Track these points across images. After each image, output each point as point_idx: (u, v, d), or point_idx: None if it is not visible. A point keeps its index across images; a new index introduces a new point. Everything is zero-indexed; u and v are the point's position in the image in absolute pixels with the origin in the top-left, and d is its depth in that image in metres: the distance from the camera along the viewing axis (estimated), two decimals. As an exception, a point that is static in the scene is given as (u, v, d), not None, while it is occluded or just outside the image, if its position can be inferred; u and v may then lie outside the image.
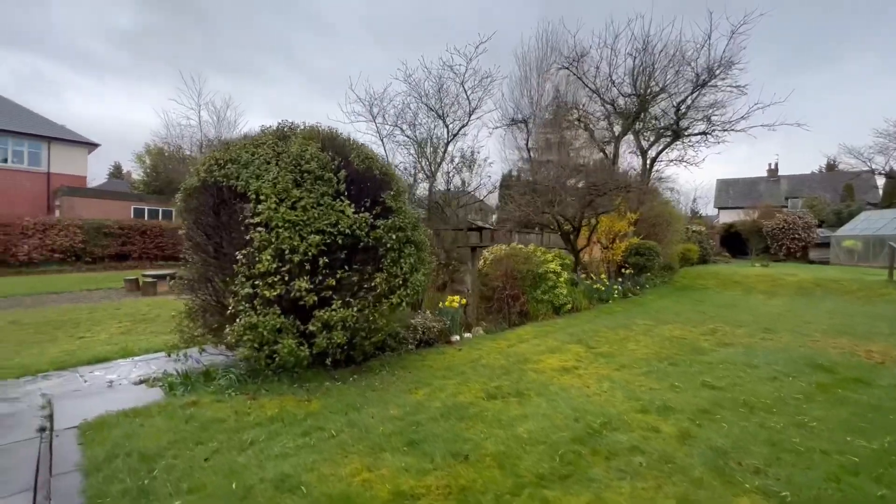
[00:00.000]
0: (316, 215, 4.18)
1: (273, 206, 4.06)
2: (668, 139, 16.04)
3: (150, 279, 13.19)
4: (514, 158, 26.19)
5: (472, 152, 17.45)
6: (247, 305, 3.98)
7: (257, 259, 3.96)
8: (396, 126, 16.81)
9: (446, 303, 7.06)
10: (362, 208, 4.69)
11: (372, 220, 4.62)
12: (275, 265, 3.95)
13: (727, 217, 39.22)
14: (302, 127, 5.16)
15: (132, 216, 24.37)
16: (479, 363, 5.37)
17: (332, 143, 4.97)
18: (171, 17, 54.58)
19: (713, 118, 15.04)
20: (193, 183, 4.87)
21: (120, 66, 59.66)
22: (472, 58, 15.94)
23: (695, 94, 14.83)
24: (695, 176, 70.74)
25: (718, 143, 15.77)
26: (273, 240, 3.98)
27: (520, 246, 9.78)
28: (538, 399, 4.12)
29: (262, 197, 4.12)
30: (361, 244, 4.53)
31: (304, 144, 4.58)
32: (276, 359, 4.09)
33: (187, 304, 5.36)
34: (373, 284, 4.58)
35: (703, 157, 16.68)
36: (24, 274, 18.19)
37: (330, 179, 4.42)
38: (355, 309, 4.38)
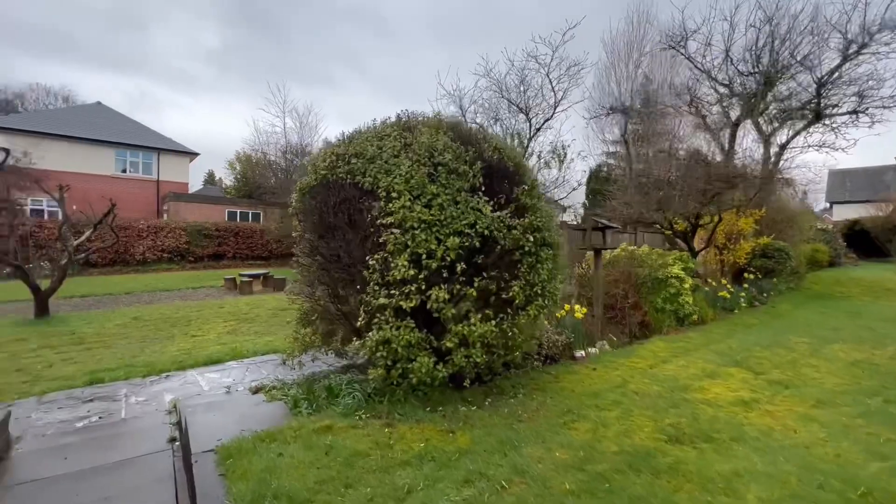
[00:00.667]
0: (453, 214, 3.60)
1: (407, 203, 3.53)
2: (805, 121, 13.63)
3: (246, 279, 13.72)
4: (599, 153, 24.49)
5: (563, 146, 16.32)
6: (380, 318, 3.49)
7: (392, 265, 3.45)
8: (475, 123, 16.19)
9: (573, 313, 6.25)
10: (496, 206, 4.05)
11: (508, 220, 3.96)
12: (412, 272, 3.42)
13: (846, 212, 33.98)
14: (422, 118, 4.64)
15: (226, 219, 26.18)
16: (626, 389, 4.51)
17: (459, 133, 4.38)
18: (249, 32, 59.13)
19: (867, 94, 12.45)
20: (310, 182, 4.52)
21: (208, 81, 65.98)
22: (558, 46, 14.87)
23: (844, 65, 12.39)
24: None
25: (873, 123, 13.05)
26: (409, 243, 3.46)
27: (633, 247, 8.68)
28: (739, 447, 3.20)
29: (393, 194, 3.61)
30: (498, 248, 3.88)
31: (434, 135, 4.03)
32: (411, 379, 3.56)
33: (300, 309, 5.07)
34: (510, 295, 3.91)
35: (854, 142, 13.88)
36: (141, 272, 20.08)
37: (465, 173, 3.82)
38: (493, 323, 3.75)
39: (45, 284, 9.19)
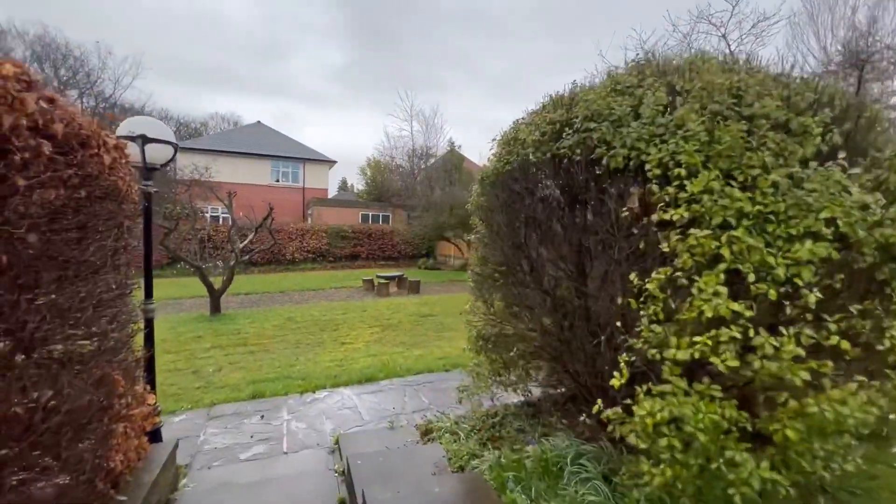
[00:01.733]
0: (800, 202, 2.04)
1: (714, 184, 2.07)
2: None
3: (383, 280, 13.57)
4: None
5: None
6: (650, 377, 2.09)
7: (692, 290, 2.01)
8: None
9: None
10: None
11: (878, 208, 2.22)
12: (732, 305, 1.94)
13: None
14: (676, 58, 3.11)
15: (359, 221, 27.55)
16: None
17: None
18: (366, 46, 63.63)
19: None
20: (500, 167, 3.34)
21: (336, 97, 73.05)
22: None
23: None
24: None
25: None
26: (724, 252, 1.99)
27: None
28: None
29: (679, 171, 2.18)
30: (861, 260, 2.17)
31: (725, 74, 2.49)
32: (732, 494, 2.04)
33: (478, 332, 3.92)
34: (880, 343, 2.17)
35: None
36: (290, 270, 21.95)
37: (806, 129, 2.21)
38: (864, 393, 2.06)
39: (217, 282, 9.82)
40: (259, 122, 34.47)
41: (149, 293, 3.59)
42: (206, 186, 22.90)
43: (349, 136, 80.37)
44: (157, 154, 3.51)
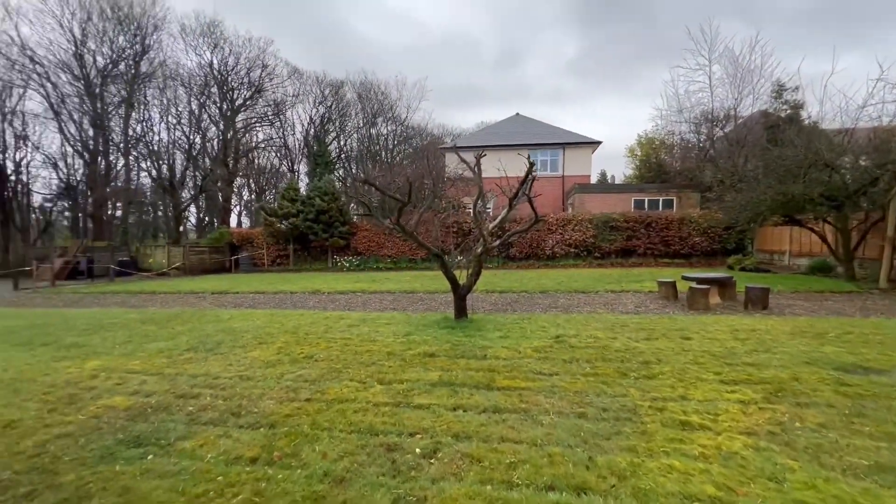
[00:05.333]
0: None
1: None
2: None
3: (697, 285, 8.47)
4: None
5: None
6: None
7: None
8: None
9: None
10: None
11: None
12: None
13: None
14: None
15: (632, 208, 22.16)
16: None
17: None
18: (604, 27, 55.27)
19: None
20: None
21: (572, 90, 67.66)
22: None
23: None
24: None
25: None
26: None
27: None
28: None
29: None
30: None
31: None
32: None
33: None
34: None
35: None
36: (550, 266, 18.98)
37: None
38: None
39: (462, 278, 7.34)
40: (518, 113, 33.48)
41: None
42: (470, 182, 22.73)
43: (591, 129, 73.51)
44: None
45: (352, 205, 25.91)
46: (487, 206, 7.41)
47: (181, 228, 35.42)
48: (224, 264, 23.67)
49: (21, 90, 29.27)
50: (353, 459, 2.82)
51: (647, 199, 22.92)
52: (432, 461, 2.79)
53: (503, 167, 7.86)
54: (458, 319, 7.21)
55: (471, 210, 23.84)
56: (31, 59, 28.88)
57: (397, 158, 41.24)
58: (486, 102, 72.23)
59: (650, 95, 67.48)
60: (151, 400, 4.00)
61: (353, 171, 43.17)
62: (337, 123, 44.99)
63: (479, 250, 6.95)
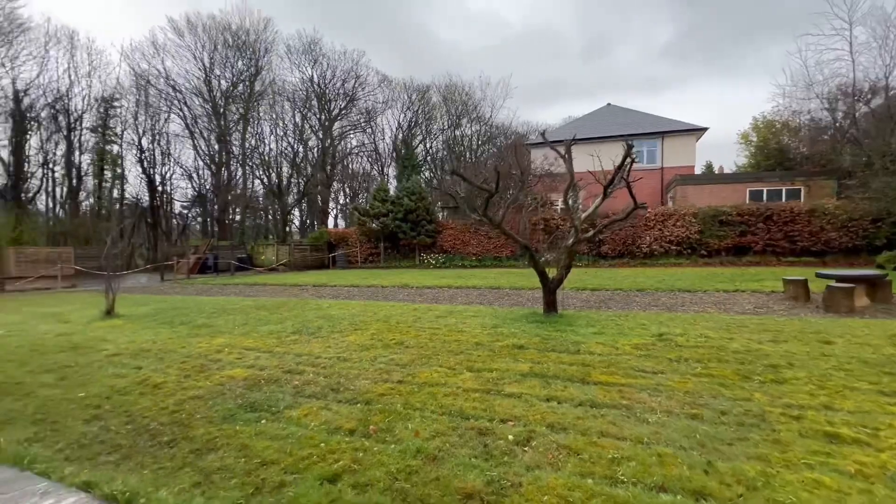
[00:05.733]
0: None
1: None
2: None
3: (839, 284, 7.16)
4: None
5: None
6: None
7: None
8: None
9: None
10: None
11: None
12: None
13: None
14: None
15: (746, 200, 19.60)
16: None
17: None
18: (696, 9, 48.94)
19: None
20: None
21: (666, 78, 61.34)
22: None
23: None
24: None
25: None
26: None
27: None
28: None
29: None
30: None
31: None
32: None
33: None
34: None
35: None
36: (647, 265, 17.55)
37: None
38: None
39: (552, 273, 7.05)
40: (609, 104, 31.55)
41: None
42: (556, 178, 21.92)
43: (693, 116, 66.46)
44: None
45: (438, 204, 26.53)
46: (578, 200, 7.02)
47: (287, 229, 39.25)
48: (323, 261, 25.69)
49: (166, 114, 34.77)
50: (444, 440, 2.81)
51: (765, 189, 20.13)
52: (526, 449, 2.66)
53: (597, 155, 7.33)
54: (547, 314, 6.94)
55: (559, 206, 22.99)
56: (173, 88, 34.18)
57: (482, 158, 41.35)
58: (572, 96, 69.56)
59: (766, 73, 59.27)
60: (264, 373, 4.40)
61: (439, 173, 44.20)
62: (423, 127, 46.46)
63: (570, 241, 6.61)
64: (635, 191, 6.68)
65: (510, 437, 2.81)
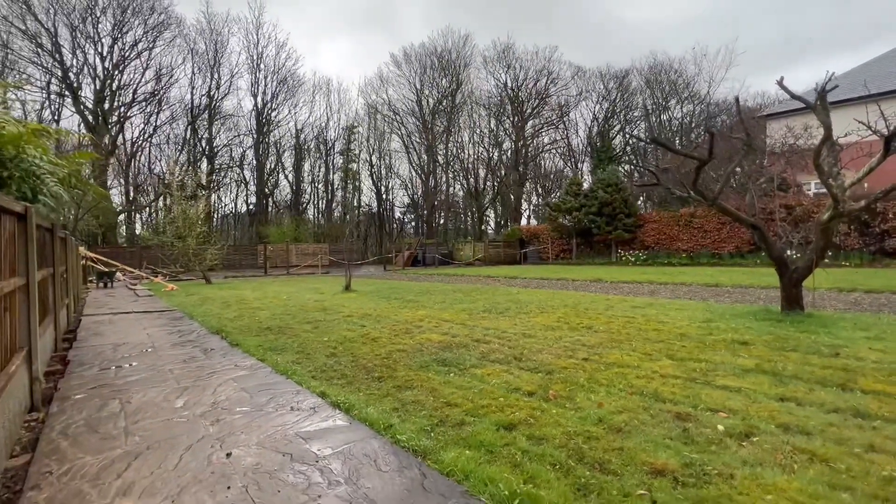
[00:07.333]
0: None
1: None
2: None
3: None
4: None
5: None
6: None
7: None
8: None
9: None
10: None
11: None
12: None
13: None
14: None
15: None
16: None
17: None
18: None
19: None
20: None
21: None
22: None
23: None
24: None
25: None
26: None
27: None
28: None
29: None
30: None
31: None
32: None
33: None
34: None
35: None
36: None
37: None
38: None
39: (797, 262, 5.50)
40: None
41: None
42: (806, 155, 16.98)
43: None
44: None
45: (640, 197, 24.00)
46: (837, 163, 5.26)
47: (482, 227, 41.97)
48: (515, 257, 26.45)
49: (388, 134, 41.79)
50: (632, 416, 2.50)
51: None
52: (743, 443, 2.13)
53: (881, 111, 4.97)
54: (786, 311, 5.44)
55: (810, 189, 17.65)
56: (394, 112, 40.76)
57: (697, 142, 35.49)
58: (820, 52, 51.87)
59: None
60: (455, 339, 4.78)
61: (639, 163, 40.01)
62: (622, 116, 42.82)
63: (824, 216, 4.99)
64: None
65: (720, 427, 2.30)
